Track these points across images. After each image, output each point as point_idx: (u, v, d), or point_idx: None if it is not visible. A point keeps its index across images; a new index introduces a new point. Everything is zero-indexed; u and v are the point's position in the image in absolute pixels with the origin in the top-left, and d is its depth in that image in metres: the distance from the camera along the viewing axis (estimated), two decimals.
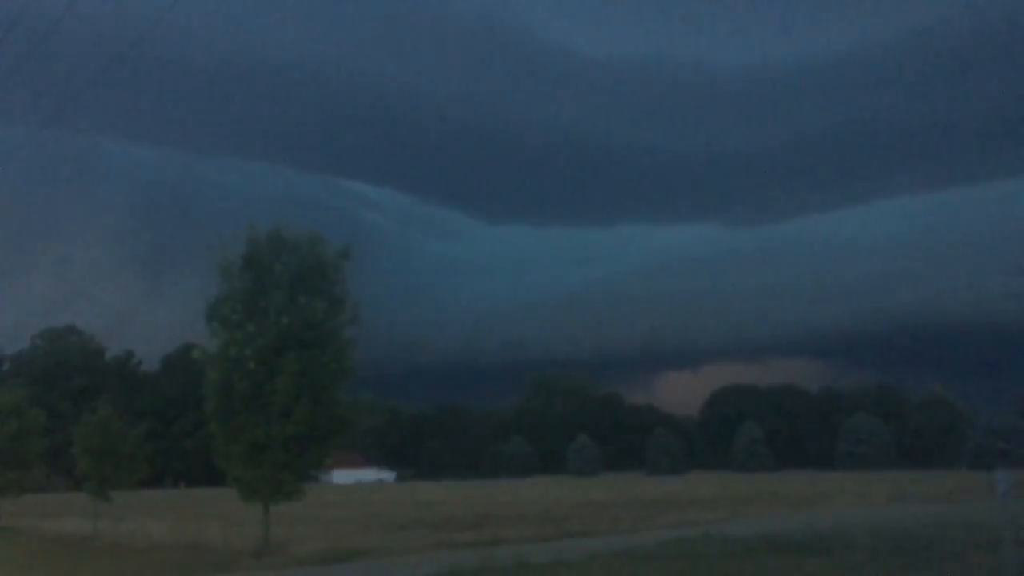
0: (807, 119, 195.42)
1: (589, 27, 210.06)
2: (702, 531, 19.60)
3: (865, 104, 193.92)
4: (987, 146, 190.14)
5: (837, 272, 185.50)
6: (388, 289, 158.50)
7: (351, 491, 69.17)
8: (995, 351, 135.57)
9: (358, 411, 19.86)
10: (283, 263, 19.12)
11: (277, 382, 18.18)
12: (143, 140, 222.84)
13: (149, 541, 23.23)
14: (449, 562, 16.11)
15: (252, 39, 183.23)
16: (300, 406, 18.20)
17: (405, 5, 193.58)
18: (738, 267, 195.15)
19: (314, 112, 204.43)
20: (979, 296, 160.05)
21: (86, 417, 27.64)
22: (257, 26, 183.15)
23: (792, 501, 33.69)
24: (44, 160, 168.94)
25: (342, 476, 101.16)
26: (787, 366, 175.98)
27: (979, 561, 13.76)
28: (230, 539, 22.05)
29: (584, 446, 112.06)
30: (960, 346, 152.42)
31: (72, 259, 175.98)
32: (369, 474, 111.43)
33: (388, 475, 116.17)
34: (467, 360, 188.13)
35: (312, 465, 19.62)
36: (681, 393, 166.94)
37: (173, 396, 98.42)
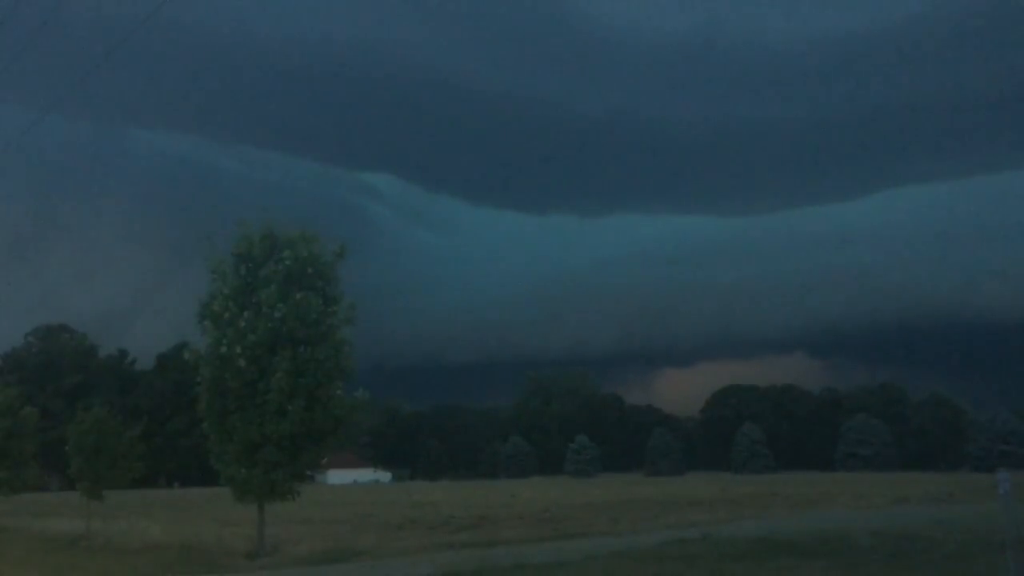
0: (822, 100, 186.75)
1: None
2: (702, 533, 19.40)
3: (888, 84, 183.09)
4: (1005, 133, 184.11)
5: (844, 265, 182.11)
6: (387, 284, 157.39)
7: (346, 491, 68.86)
8: (999, 350, 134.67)
9: (356, 410, 19.50)
10: (276, 260, 18.88)
11: (271, 380, 17.93)
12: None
13: (142, 541, 22.97)
14: (446, 563, 15.90)
15: (260, 19, 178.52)
16: (295, 404, 17.94)
17: None
18: (750, 259, 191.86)
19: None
20: (983, 293, 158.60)
21: (80, 416, 27.36)
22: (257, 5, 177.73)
23: (793, 502, 33.51)
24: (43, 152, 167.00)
25: (337, 476, 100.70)
26: (788, 364, 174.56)
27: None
28: (224, 539, 21.84)
29: (583, 446, 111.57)
30: (964, 345, 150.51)
31: (70, 255, 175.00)
32: (365, 474, 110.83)
33: (384, 475, 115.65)
34: (464, 359, 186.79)
35: (308, 464, 19.35)
36: (681, 393, 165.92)
37: (167, 395, 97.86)
